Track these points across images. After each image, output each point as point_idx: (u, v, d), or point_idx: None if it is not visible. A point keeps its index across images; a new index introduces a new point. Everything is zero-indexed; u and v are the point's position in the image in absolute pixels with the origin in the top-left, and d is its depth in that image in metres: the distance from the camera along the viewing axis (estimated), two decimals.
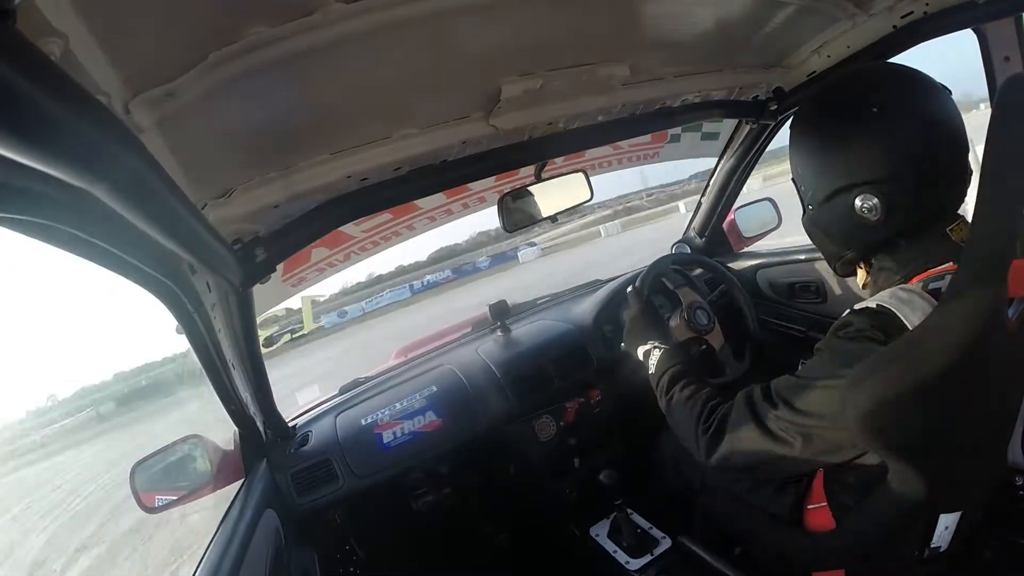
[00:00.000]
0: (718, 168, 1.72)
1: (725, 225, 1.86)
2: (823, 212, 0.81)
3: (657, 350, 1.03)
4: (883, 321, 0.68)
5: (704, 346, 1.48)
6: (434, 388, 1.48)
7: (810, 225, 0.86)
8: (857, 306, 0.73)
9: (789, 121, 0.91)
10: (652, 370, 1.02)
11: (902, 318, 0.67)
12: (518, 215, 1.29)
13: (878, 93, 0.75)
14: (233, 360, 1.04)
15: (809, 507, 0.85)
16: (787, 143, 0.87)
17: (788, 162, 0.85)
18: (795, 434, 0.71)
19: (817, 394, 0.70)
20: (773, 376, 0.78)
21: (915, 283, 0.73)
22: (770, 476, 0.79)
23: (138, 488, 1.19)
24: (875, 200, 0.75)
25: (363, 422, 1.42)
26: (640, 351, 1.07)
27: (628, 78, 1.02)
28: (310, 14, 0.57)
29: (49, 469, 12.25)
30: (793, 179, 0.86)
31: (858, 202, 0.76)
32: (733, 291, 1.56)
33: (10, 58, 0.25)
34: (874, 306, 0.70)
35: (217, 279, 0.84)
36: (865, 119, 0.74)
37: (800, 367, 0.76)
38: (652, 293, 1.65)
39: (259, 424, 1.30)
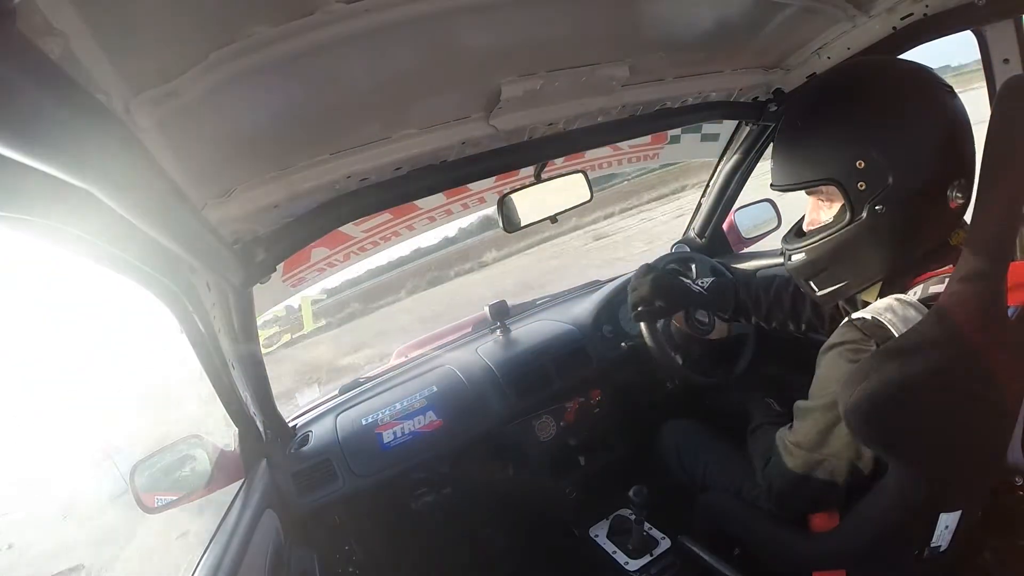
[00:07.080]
0: (718, 169, 1.72)
1: (725, 226, 1.86)
2: (907, 208, 0.71)
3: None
4: (877, 334, 0.69)
5: (704, 345, 1.48)
6: (434, 388, 1.48)
7: (877, 224, 0.72)
8: (855, 316, 0.73)
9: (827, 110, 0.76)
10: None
11: (892, 331, 0.68)
12: (518, 216, 1.29)
13: (935, 78, 0.72)
14: (233, 360, 1.03)
15: None
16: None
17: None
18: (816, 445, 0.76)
19: (822, 412, 0.74)
20: (770, 378, 0.79)
21: (916, 286, 0.74)
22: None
23: (138, 488, 1.19)
24: (964, 191, 0.70)
25: (363, 422, 1.41)
26: None
27: (628, 79, 1.02)
28: (310, 14, 0.57)
29: None
30: (833, 178, 0.74)
31: (951, 192, 0.70)
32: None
33: (10, 58, 0.25)
34: (869, 318, 0.71)
35: (217, 279, 0.84)
36: (941, 102, 0.70)
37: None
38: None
39: (259, 424, 1.30)
